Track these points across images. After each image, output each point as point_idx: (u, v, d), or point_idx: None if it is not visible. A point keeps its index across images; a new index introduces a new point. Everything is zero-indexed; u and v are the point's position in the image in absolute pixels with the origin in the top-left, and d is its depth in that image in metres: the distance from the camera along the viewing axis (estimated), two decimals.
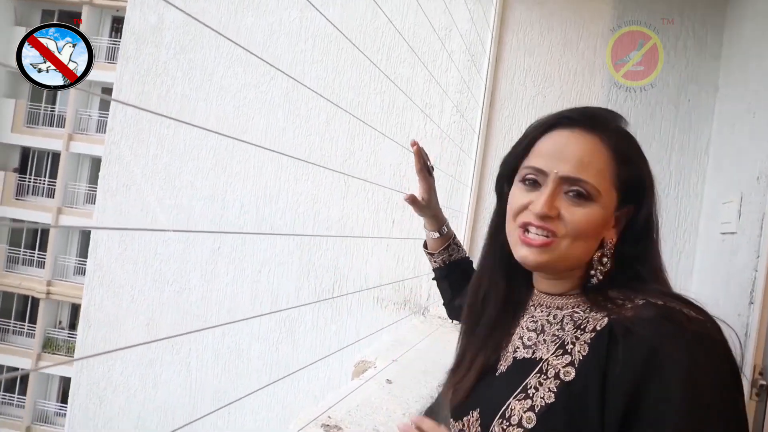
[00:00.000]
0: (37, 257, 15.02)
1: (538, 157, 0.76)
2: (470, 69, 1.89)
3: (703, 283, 1.58)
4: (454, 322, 1.87)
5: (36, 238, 15.12)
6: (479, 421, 0.75)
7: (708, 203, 1.67)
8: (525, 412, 0.69)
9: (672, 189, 1.75)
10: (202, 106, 2.19)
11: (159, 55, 2.24)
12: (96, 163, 14.63)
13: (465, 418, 0.77)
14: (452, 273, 1.15)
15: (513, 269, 0.82)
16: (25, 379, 14.44)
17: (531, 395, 0.71)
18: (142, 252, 2.22)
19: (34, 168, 15.23)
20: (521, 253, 0.76)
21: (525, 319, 0.80)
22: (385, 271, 1.95)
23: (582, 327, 0.73)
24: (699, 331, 0.65)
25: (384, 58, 2.03)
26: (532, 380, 0.72)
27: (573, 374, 0.69)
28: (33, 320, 14.86)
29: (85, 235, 14.52)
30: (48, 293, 14.55)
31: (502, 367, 0.78)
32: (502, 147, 1.87)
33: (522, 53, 1.90)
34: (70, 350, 14.35)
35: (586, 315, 0.74)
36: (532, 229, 0.74)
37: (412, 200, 1.11)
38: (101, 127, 14.76)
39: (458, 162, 1.89)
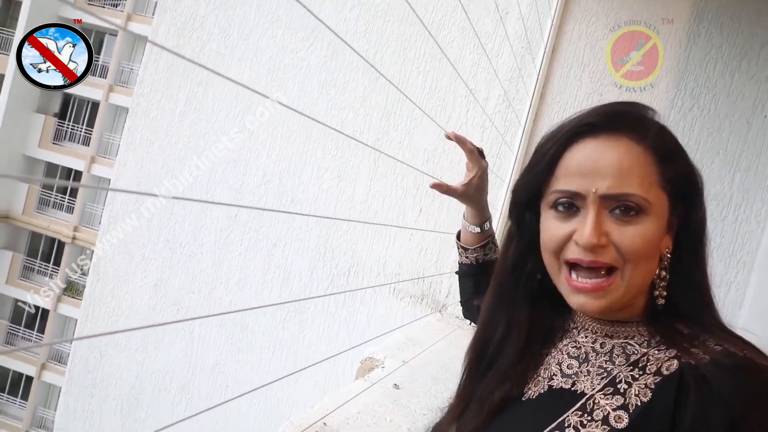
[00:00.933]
0: (67, 202, 15.39)
1: (567, 178, 0.63)
2: (524, 57, 1.74)
3: (753, 320, 1.43)
4: (472, 324, 1.76)
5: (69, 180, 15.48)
6: None
7: None
8: None
9: (731, 212, 1.59)
10: (235, 66, 2.10)
11: (198, 9, 2.15)
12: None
13: None
14: (482, 273, 1.03)
15: (541, 300, 0.69)
16: (45, 317, 14.92)
17: None
18: (158, 210, 2.15)
19: (73, 115, 15.53)
20: (577, 301, 0.63)
21: (565, 342, 0.68)
22: (406, 262, 1.84)
23: (640, 365, 0.60)
24: None
25: (433, 36, 1.89)
26: (572, 417, 0.60)
27: (626, 421, 0.57)
28: (57, 263, 15.29)
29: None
30: (74, 238, 14.93)
31: (531, 392, 0.65)
32: None
33: (582, 46, 1.74)
34: None
35: (644, 350, 0.61)
36: (582, 271, 0.62)
37: (447, 189, 0.97)
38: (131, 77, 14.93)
39: (498, 154, 1.75)
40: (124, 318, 2.20)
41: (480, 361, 0.72)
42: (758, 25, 1.60)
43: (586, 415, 0.60)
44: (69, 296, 14.83)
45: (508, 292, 0.72)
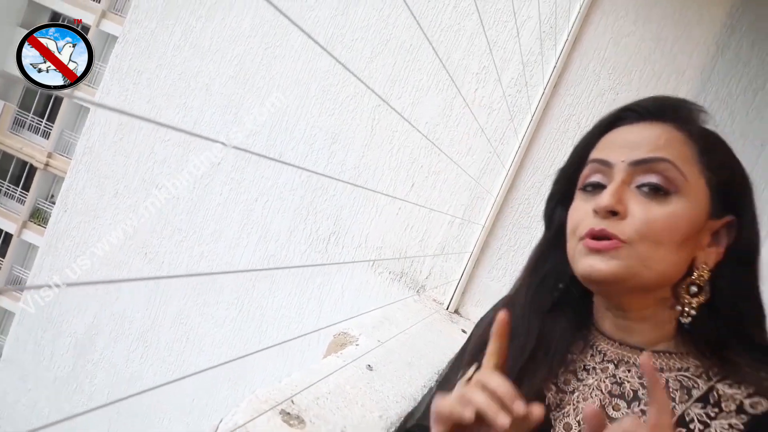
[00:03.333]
0: (44, 126, 14.87)
1: (600, 151, 0.59)
2: (544, 40, 1.66)
3: None
4: (449, 309, 1.71)
5: (47, 107, 14.94)
6: None
7: None
8: None
9: None
10: (237, 8, 1.96)
11: None
12: None
13: None
14: None
15: (559, 308, 0.63)
16: (7, 241, 14.56)
17: None
18: (137, 146, 2.03)
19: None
20: (587, 263, 0.56)
21: (596, 378, 0.60)
22: (389, 237, 1.77)
23: (712, 402, 0.54)
24: None
25: (450, 6, 1.78)
26: None
27: None
28: (26, 187, 14.85)
29: None
30: (47, 165, 14.49)
31: None
32: (554, 135, 1.66)
33: (606, 39, 1.66)
34: None
35: (711, 383, 0.55)
36: (596, 233, 0.55)
37: None
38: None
39: (502, 139, 1.68)
40: (88, 255, 2.09)
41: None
42: None
43: None
44: (35, 223, 14.47)
45: (525, 295, 0.65)
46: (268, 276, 1.89)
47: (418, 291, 1.72)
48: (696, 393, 0.55)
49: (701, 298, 0.56)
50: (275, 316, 1.87)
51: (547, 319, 0.63)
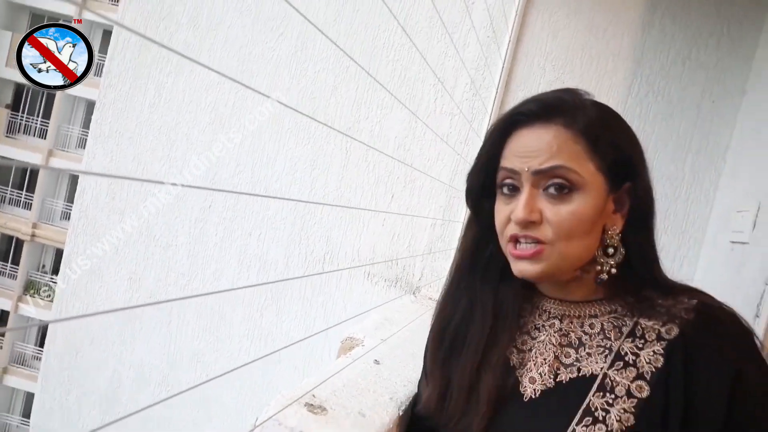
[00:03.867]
0: (25, 198, 14.84)
1: (508, 159, 0.69)
2: (490, 46, 1.80)
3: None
4: None
5: (24, 179, 14.93)
6: None
7: (719, 210, 1.62)
8: None
9: (683, 191, 1.70)
10: (205, 57, 2.09)
11: None
12: (91, 107, 14.35)
13: None
14: None
15: (504, 279, 0.74)
16: (4, 318, 14.41)
17: (602, 418, 0.64)
18: (130, 202, 2.14)
19: (28, 106, 14.93)
20: (518, 268, 0.68)
21: (545, 335, 0.72)
22: (379, 247, 1.90)
23: (638, 335, 0.67)
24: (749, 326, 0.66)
25: (400, 26, 1.93)
26: (595, 401, 0.65)
27: (647, 390, 0.63)
28: (16, 262, 14.77)
29: (75, 180, 14.35)
30: (33, 235, 14.43)
31: (530, 391, 0.69)
32: None
33: (545, 35, 1.82)
34: (51, 296, 14.30)
35: (634, 319, 0.68)
36: (522, 240, 0.67)
37: None
38: (100, 70, 14.45)
39: (466, 141, 1.82)
40: (99, 310, 2.19)
41: (443, 339, 0.77)
42: (707, 15, 1.70)
43: (607, 394, 0.64)
44: (29, 295, 14.36)
45: (468, 275, 0.76)
46: (273, 304, 2.00)
47: (414, 292, 1.84)
48: (625, 329, 0.67)
49: (618, 257, 0.68)
50: (285, 339, 1.97)
51: (497, 293, 0.74)
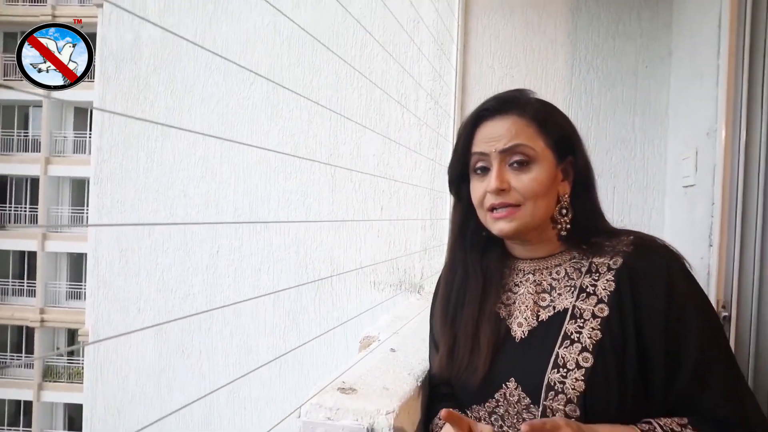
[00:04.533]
0: (27, 286, 14.90)
1: (478, 145, 0.88)
2: (440, 57, 1.99)
3: (674, 235, 1.71)
4: None
5: (23, 266, 15.00)
6: (519, 387, 0.81)
7: (671, 160, 1.79)
8: (579, 354, 0.78)
9: (638, 150, 1.87)
10: (186, 117, 2.27)
11: (139, 72, 2.31)
12: (76, 184, 14.52)
13: (499, 392, 0.83)
14: None
15: (487, 250, 0.93)
16: (28, 409, 14.36)
17: (577, 338, 0.80)
18: (144, 264, 2.29)
19: (14, 196, 15.07)
20: (498, 227, 0.87)
21: (524, 288, 0.90)
22: (379, 256, 2.05)
23: (593, 270, 0.85)
24: (679, 253, 0.83)
25: (357, 55, 2.12)
26: (569, 327, 0.81)
27: (607, 310, 0.81)
28: (30, 350, 14.76)
29: (74, 259, 14.44)
30: (42, 321, 14.45)
31: (519, 333, 0.86)
32: None
33: (488, 38, 2.00)
34: (71, 377, 14.31)
35: (589, 260, 0.86)
36: (498, 207, 0.86)
37: None
38: (78, 147, 14.64)
39: (437, 146, 1.99)
40: (133, 372, 2.33)
41: (448, 305, 0.95)
42: None
43: (578, 320, 0.82)
44: (49, 381, 14.35)
45: (460, 250, 0.95)
46: (293, 328, 2.15)
47: (418, 291, 2.00)
48: (584, 269, 0.86)
49: (570, 216, 0.88)
50: (310, 358, 2.12)
51: (484, 260, 0.92)
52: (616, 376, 0.77)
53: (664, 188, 1.84)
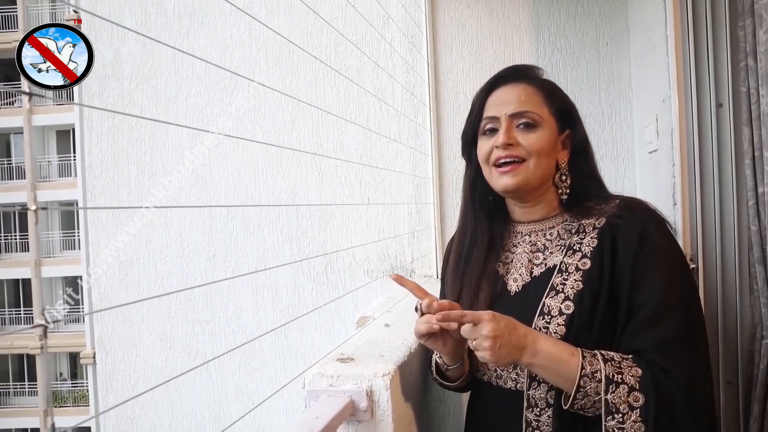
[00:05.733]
0: (24, 314, 14.82)
1: (489, 110, 0.98)
2: (411, 50, 2.07)
3: (644, 198, 1.80)
4: (438, 277, 2.08)
5: (18, 293, 14.92)
6: None
7: (637, 129, 1.89)
8: (562, 302, 0.88)
9: (607, 123, 1.97)
10: (173, 127, 2.34)
11: (122, 88, 2.37)
12: (64, 215, 14.46)
13: None
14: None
15: (492, 212, 1.03)
16: None
17: (561, 289, 0.90)
18: (143, 273, 2.36)
19: (2, 225, 14.98)
20: (501, 182, 0.96)
21: (521, 249, 0.99)
22: (370, 246, 2.14)
23: (580, 231, 0.94)
24: (660, 213, 0.93)
25: (332, 54, 2.20)
26: (556, 280, 0.91)
27: (589, 263, 0.90)
28: (33, 378, 14.70)
29: (69, 282, 14.39)
30: (42, 347, 14.38)
31: (514, 287, 0.97)
32: (452, 115, 2.07)
33: (455, 27, 2.09)
34: (76, 400, 14.27)
35: (579, 222, 0.95)
36: (501, 161, 0.95)
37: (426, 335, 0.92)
38: (64, 171, 14.58)
39: (416, 135, 2.08)
40: (142, 379, 2.40)
41: (460, 259, 1.04)
42: None
43: (564, 273, 0.92)
44: (57, 406, 14.29)
45: (470, 208, 1.06)
46: (294, 323, 2.23)
47: (410, 275, 2.09)
48: (573, 230, 0.96)
49: (569, 181, 0.97)
50: (311, 350, 2.20)
51: (490, 224, 1.03)
52: (591, 321, 0.86)
53: (633, 156, 1.94)
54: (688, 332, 0.83)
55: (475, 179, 1.04)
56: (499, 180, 0.96)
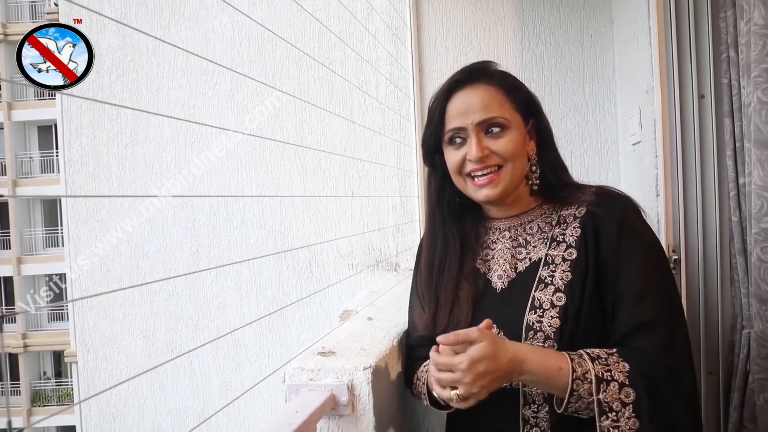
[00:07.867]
0: (5, 311, 14.59)
1: (453, 120, 0.94)
2: (395, 42, 2.05)
3: (627, 190, 1.81)
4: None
5: (0, 291, 14.68)
6: (501, 332, 0.89)
7: (620, 121, 1.90)
8: (552, 294, 0.87)
9: (591, 115, 1.97)
10: (154, 120, 2.30)
11: (102, 81, 2.32)
12: (48, 205, 14.24)
13: None
14: None
15: (462, 215, 1.01)
16: None
17: (550, 281, 0.89)
18: (125, 269, 2.32)
19: None
20: (482, 194, 0.94)
21: (501, 244, 0.98)
22: (354, 239, 2.12)
23: (562, 222, 0.93)
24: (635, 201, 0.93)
25: (316, 47, 2.17)
26: (543, 272, 0.90)
27: (575, 253, 0.90)
28: (15, 377, 14.49)
29: (52, 279, 14.16)
30: (25, 346, 14.19)
31: (500, 285, 0.94)
32: None
33: (439, 19, 2.08)
34: (60, 399, 14.10)
35: (558, 213, 0.94)
36: (477, 173, 0.93)
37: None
38: (45, 167, 14.35)
39: (401, 127, 2.06)
40: (125, 376, 2.36)
41: (432, 270, 1.02)
42: None
43: (550, 266, 0.91)
44: (38, 406, 14.13)
45: (438, 218, 1.03)
46: (278, 317, 2.21)
47: (395, 269, 2.08)
48: (553, 221, 0.95)
49: (539, 171, 0.97)
50: (296, 344, 2.18)
51: (459, 224, 1.01)
52: (583, 310, 0.86)
53: (617, 148, 1.94)
54: (670, 314, 0.85)
55: (442, 186, 1.01)
56: (479, 192, 0.94)
